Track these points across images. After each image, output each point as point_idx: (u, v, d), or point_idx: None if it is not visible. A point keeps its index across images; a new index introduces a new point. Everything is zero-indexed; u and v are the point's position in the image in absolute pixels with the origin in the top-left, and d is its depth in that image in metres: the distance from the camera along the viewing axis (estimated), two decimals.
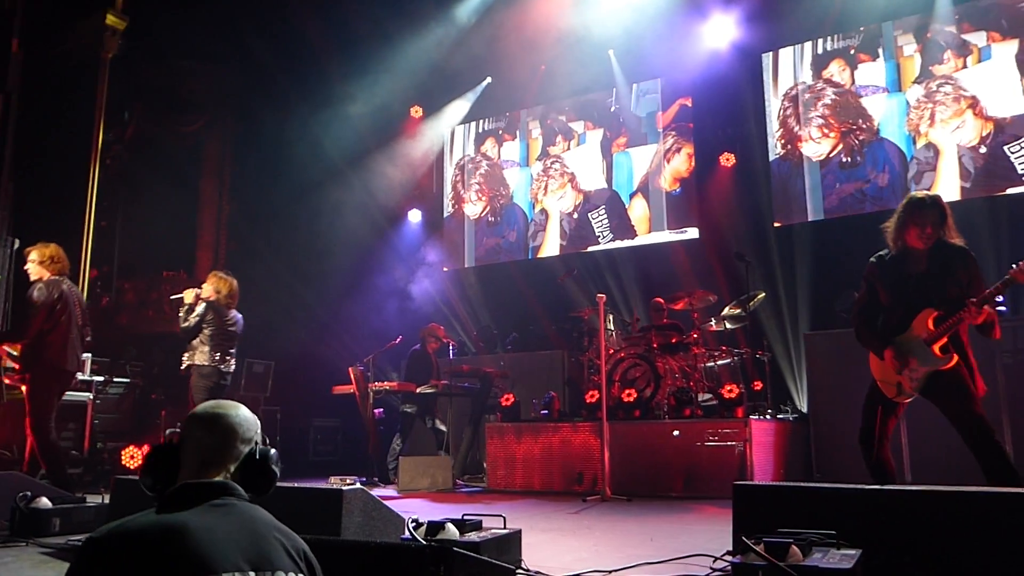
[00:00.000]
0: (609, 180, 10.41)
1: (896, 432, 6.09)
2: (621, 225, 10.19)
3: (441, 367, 8.51)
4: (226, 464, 1.55)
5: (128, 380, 9.53)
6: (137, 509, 3.89)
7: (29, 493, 4.44)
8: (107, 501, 4.56)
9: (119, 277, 11.86)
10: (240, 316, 6.78)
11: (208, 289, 6.55)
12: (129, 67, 10.54)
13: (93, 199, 10.15)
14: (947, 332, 3.74)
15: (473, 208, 11.49)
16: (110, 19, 10.03)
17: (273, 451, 1.65)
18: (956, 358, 3.75)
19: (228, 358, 6.50)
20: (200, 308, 6.40)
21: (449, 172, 11.84)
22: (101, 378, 8.81)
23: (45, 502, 4.44)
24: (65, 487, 5.34)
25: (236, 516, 1.43)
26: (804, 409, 7.32)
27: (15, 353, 5.72)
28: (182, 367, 6.40)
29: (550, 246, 10.68)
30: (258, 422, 1.72)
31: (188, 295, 6.51)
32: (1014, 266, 3.63)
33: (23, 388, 5.61)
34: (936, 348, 3.77)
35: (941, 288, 3.81)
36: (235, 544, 1.34)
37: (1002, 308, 6.03)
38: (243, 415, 1.66)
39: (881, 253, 4.07)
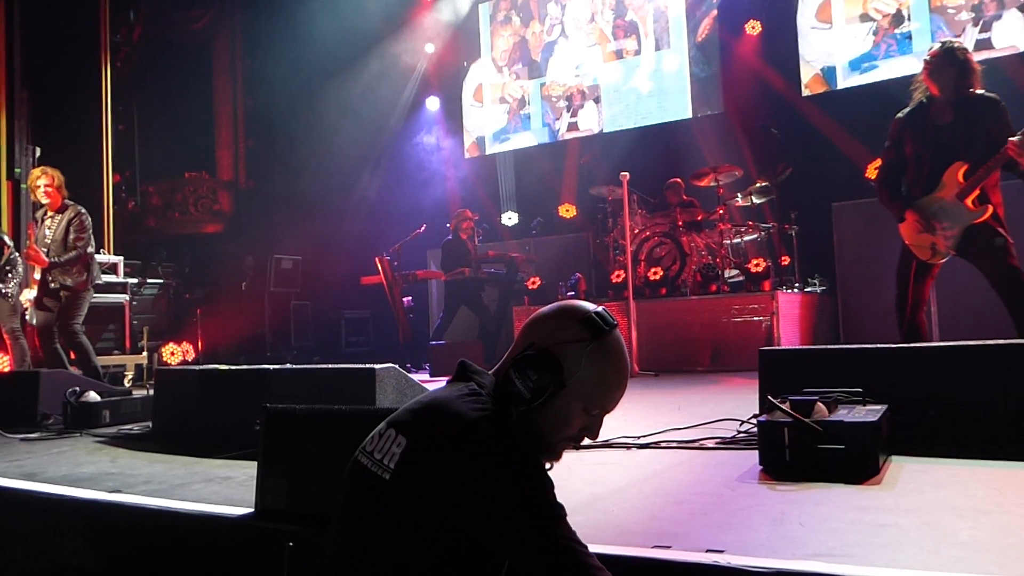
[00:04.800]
0: (628, 55, 10.05)
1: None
2: (641, 101, 9.92)
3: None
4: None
5: (161, 281, 9.73)
6: (178, 400, 4.02)
7: (78, 388, 4.63)
8: (151, 393, 4.73)
9: (142, 181, 11.92)
10: None
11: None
12: None
13: (108, 103, 10.07)
14: (979, 182, 3.65)
15: (496, 91, 11.21)
16: None
17: None
18: (990, 209, 3.67)
19: None
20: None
21: (469, 54, 11.47)
22: (135, 280, 8.99)
23: (94, 396, 4.63)
24: (96, 376, 5.63)
25: None
26: (832, 282, 7.28)
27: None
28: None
29: (574, 126, 10.45)
30: None
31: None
32: None
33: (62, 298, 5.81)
34: (968, 201, 3.68)
35: (969, 139, 3.70)
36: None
37: None
38: None
39: (907, 108, 3.95)
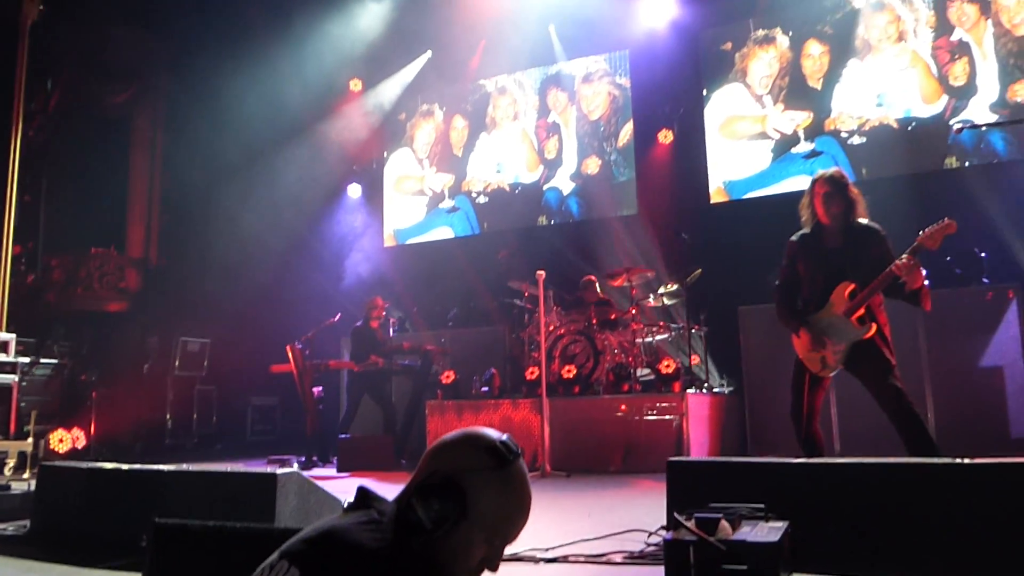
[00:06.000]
0: (549, 155, 10.40)
1: (826, 405, 6.31)
2: (560, 202, 10.22)
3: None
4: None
5: (56, 361, 9.23)
6: (62, 499, 3.76)
7: None
8: (32, 488, 4.41)
9: (45, 253, 11.42)
10: None
11: None
12: (52, 34, 10.06)
13: (15, 172, 9.70)
14: (864, 301, 3.88)
15: (416, 183, 11.36)
16: None
17: None
18: (874, 327, 3.90)
19: None
20: None
21: (391, 145, 11.64)
22: (27, 359, 8.50)
23: None
24: None
25: None
26: (739, 382, 7.49)
27: None
28: None
29: (492, 222, 10.64)
30: None
31: None
32: (920, 232, 3.76)
33: None
34: (854, 319, 3.91)
35: (856, 262, 3.97)
36: None
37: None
38: None
39: (802, 231, 4.24)
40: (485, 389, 7.46)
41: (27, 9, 9.52)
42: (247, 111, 10.32)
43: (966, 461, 2.69)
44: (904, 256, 3.76)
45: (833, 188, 4.04)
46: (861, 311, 3.90)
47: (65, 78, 11.22)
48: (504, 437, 1.40)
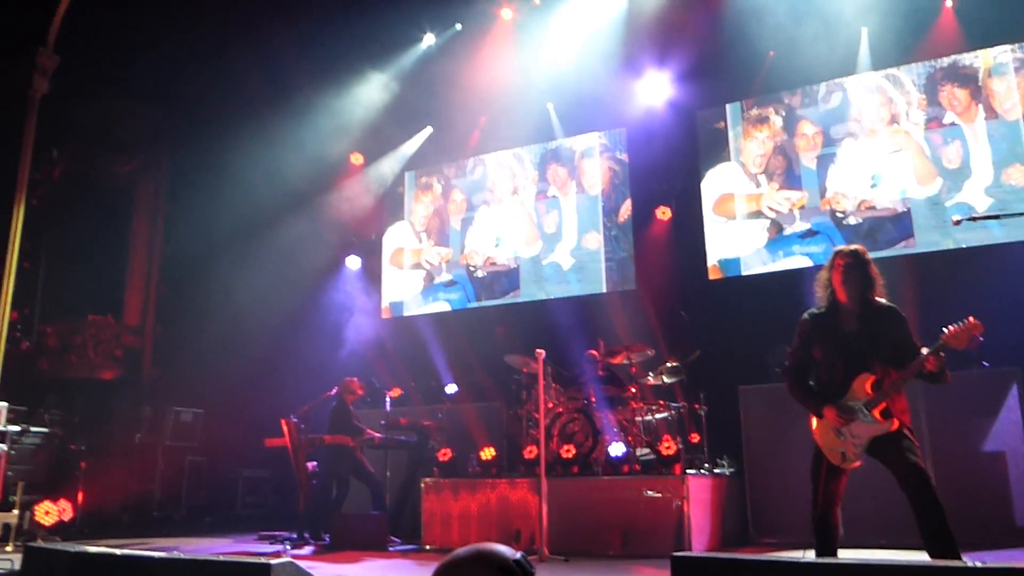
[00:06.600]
0: (549, 230, 10.48)
1: None
2: (560, 276, 10.25)
3: (378, 419, 8.35)
4: None
5: (47, 430, 9.10)
6: None
7: None
8: (17, 567, 4.28)
9: (41, 320, 11.38)
10: None
11: None
12: (59, 105, 10.25)
13: (16, 240, 9.75)
14: (887, 396, 3.74)
15: (414, 256, 11.43)
16: (40, 58, 9.76)
17: None
18: (897, 423, 3.74)
19: None
20: None
21: (389, 218, 11.75)
22: (17, 428, 8.39)
23: None
24: None
25: None
26: (740, 463, 7.39)
27: None
28: None
29: (489, 296, 10.66)
30: None
31: None
32: (945, 330, 3.63)
33: None
34: (876, 413, 3.75)
35: (875, 350, 3.80)
36: None
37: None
38: None
39: (813, 309, 4.06)
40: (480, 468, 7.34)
41: (38, 83, 9.75)
42: (248, 183, 10.46)
43: (979, 566, 2.62)
44: (929, 354, 3.64)
45: (854, 262, 3.89)
46: (883, 405, 3.75)
47: (71, 148, 11.39)
48: (518, 556, 1.36)
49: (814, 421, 3.97)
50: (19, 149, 9.79)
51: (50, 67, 9.88)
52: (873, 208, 8.58)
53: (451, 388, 9.41)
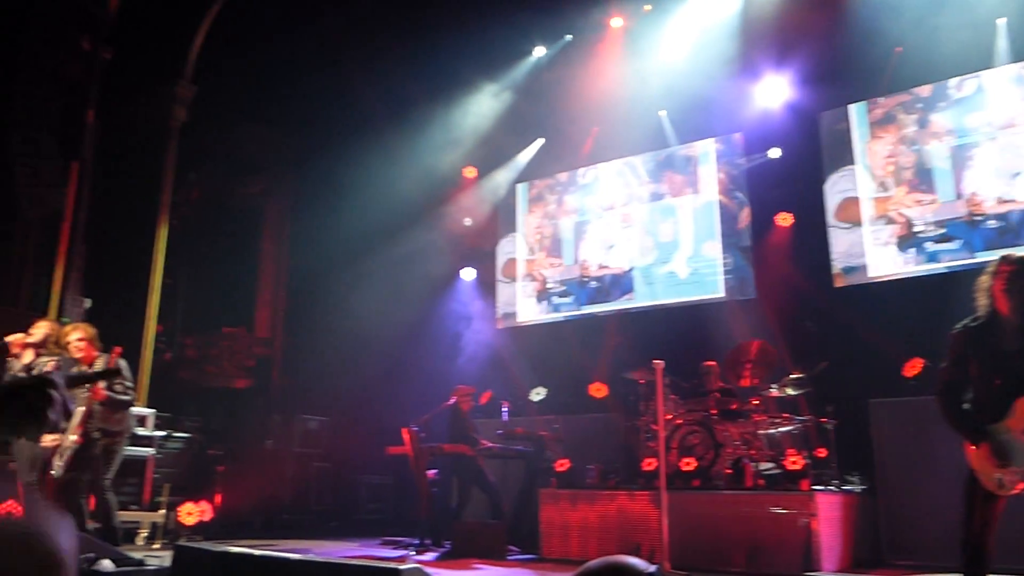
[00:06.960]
0: (664, 239, 10.34)
1: None
2: (676, 285, 10.08)
3: (495, 428, 8.46)
4: None
5: (188, 435, 9.70)
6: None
7: (93, 555, 4.52)
8: (167, 565, 4.59)
9: (181, 333, 12.18)
10: None
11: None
12: (196, 132, 10.98)
13: (160, 258, 10.49)
14: None
15: (526, 267, 11.52)
16: (180, 89, 10.50)
17: None
18: None
19: None
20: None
21: (503, 230, 11.90)
22: (162, 433, 8.97)
23: (108, 565, 4.52)
24: (114, 538, 5.62)
25: None
26: (872, 481, 7.04)
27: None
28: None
29: (604, 306, 10.60)
30: None
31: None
32: None
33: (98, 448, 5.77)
34: None
35: None
36: None
37: None
38: None
39: (967, 321, 3.73)
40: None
41: (177, 112, 10.49)
42: (366, 198, 10.85)
43: None
44: None
45: (1020, 269, 3.56)
46: None
47: (206, 172, 12.18)
48: (652, 569, 1.36)
49: None
50: (161, 174, 10.56)
51: (188, 97, 10.61)
52: (1014, 210, 7.95)
53: (537, 394, 9.34)
